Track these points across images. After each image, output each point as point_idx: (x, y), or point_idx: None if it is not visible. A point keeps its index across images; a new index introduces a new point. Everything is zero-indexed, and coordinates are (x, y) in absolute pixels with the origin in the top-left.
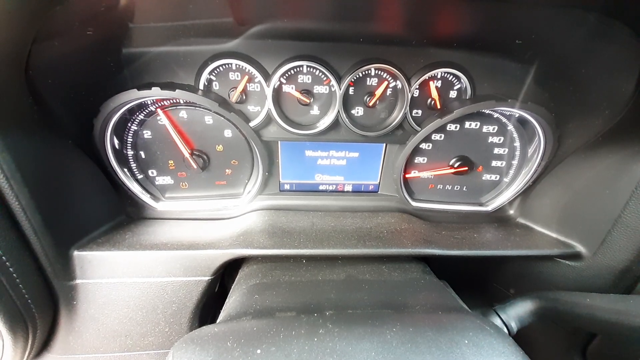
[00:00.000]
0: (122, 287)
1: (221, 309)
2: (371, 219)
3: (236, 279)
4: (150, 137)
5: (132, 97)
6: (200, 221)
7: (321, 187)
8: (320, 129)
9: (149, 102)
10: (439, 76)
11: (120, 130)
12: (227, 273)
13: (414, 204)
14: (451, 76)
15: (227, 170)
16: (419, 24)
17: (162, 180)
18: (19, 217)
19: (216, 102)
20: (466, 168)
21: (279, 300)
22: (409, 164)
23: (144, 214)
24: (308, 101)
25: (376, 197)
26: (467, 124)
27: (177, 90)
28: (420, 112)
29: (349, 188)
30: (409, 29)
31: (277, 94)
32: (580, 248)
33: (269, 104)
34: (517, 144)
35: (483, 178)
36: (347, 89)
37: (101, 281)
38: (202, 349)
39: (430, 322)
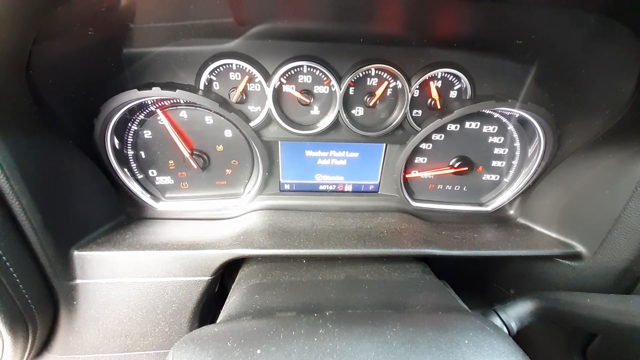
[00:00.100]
0: (122, 287)
1: (221, 309)
2: (371, 219)
3: (236, 279)
4: (151, 137)
5: (133, 97)
6: (201, 221)
7: (321, 187)
8: (320, 129)
9: (150, 102)
10: (439, 76)
11: (121, 130)
12: (227, 273)
13: (414, 204)
14: (451, 76)
15: (227, 170)
16: (419, 24)
17: (162, 180)
18: (19, 217)
19: (216, 102)
20: (466, 168)
21: (279, 300)
22: (409, 164)
23: (144, 214)
24: (308, 101)
25: (376, 197)
26: (467, 124)
27: (177, 90)
28: (420, 112)
29: (349, 188)
30: (409, 29)
31: (278, 94)
32: (580, 248)
33: (269, 104)
34: (517, 144)
35: (483, 178)
36: (347, 89)
37: (101, 281)
38: (202, 349)
39: (431, 322)
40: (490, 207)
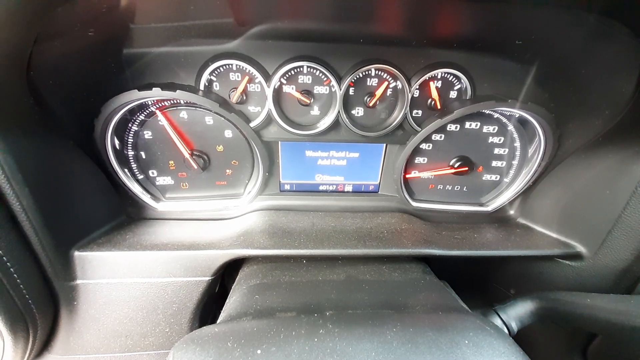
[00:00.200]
0: (122, 288)
1: (221, 309)
2: (371, 219)
3: (236, 279)
4: (151, 137)
5: (133, 97)
6: (201, 221)
7: (321, 188)
8: (320, 129)
9: (150, 103)
10: (439, 76)
11: (121, 130)
12: (227, 273)
13: (414, 204)
14: (451, 76)
15: (227, 171)
16: (419, 25)
17: (163, 180)
18: (19, 218)
19: (217, 102)
20: (466, 168)
21: (279, 300)
22: (409, 164)
23: (145, 215)
24: (308, 101)
25: (376, 198)
26: (467, 124)
27: (177, 90)
28: (420, 112)
29: (349, 188)
30: (409, 30)
31: (278, 94)
32: (580, 248)
33: (270, 104)
34: (517, 144)
35: (483, 178)
36: (347, 90)
37: (102, 281)
38: (203, 349)
39: (431, 323)
40: (490, 207)
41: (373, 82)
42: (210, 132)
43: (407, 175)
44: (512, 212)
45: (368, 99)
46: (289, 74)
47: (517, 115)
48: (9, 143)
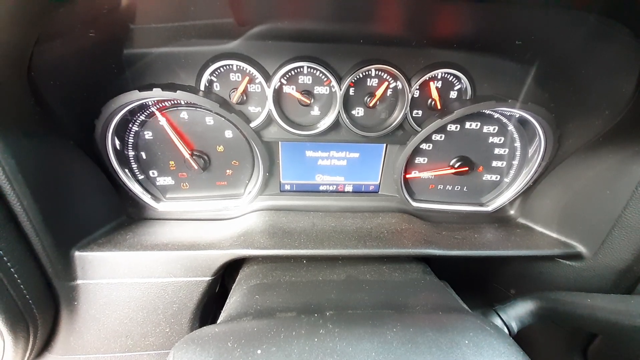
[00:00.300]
0: (122, 288)
1: (222, 309)
2: (372, 220)
3: (237, 279)
4: (151, 137)
5: (134, 98)
6: (201, 221)
7: (322, 188)
8: (320, 130)
9: (150, 103)
10: (439, 77)
11: (122, 131)
12: (227, 273)
13: (414, 204)
14: (451, 77)
15: (227, 171)
16: (419, 25)
17: (163, 180)
18: (20, 218)
19: (217, 102)
20: (467, 168)
21: (279, 300)
22: (409, 164)
23: (145, 215)
24: (308, 102)
25: (377, 198)
26: (467, 125)
27: (178, 91)
28: (420, 112)
29: (349, 188)
30: (409, 30)
31: (278, 94)
32: (580, 248)
33: (270, 104)
34: (517, 144)
35: (483, 178)
36: (347, 90)
37: (102, 281)
38: (203, 349)
39: (431, 323)
40: (490, 207)
41: (373, 82)
42: (211, 132)
43: (407, 176)
44: (512, 212)
45: (368, 99)
46: (289, 74)
47: (517, 116)
48: (10, 143)
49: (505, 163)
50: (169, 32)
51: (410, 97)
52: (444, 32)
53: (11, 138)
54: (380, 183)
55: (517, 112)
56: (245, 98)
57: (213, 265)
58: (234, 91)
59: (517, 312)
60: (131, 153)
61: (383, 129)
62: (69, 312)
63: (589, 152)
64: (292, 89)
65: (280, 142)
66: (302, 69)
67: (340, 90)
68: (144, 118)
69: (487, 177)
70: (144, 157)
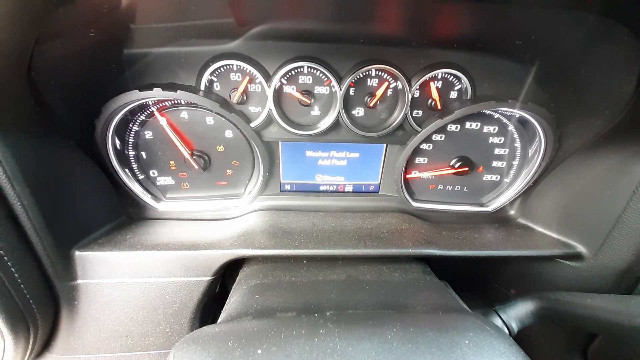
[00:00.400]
0: (123, 288)
1: (222, 309)
2: (372, 220)
3: (237, 279)
4: (152, 137)
5: (134, 98)
6: (201, 221)
7: (322, 188)
8: (320, 130)
9: (150, 103)
10: (439, 77)
11: (122, 130)
12: (227, 273)
13: (414, 204)
14: (451, 77)
15: (228, 171)
16: (419, 25)
17: (163, 180)
18: (20, 218)
19: (217, 102)
20: (467, 168)
21: (279, 300)
22: (409, 165)
23: (145, 215)
24: (309, 102)
25: (377, 198)
26: (467, 125)
27: (178, 91)
28: (420, 112)
29: (349, 188)
30: (409, 30)
31: (278, 94)
32: (581, 248)
33: (270, 104)
34: (517, 144)
35: (484, 178)
36: (347, 90)
37: (102, 281)
38: (203, 349)
39: (431, 323)
40: (490, 208)
41: (373, 82)
42: (211, 132)
43: (408, 176)
44: (512, 212)
45: (368, 99)
46: (290, 74)
47: (518, 116)
48: (10, 143)
49: (505, 163)
50: (169, 32)
51: (410, 97)
52: (444, 32)
53: (11, 138)
54: (380, 183)
55: (517, 112)
56: (245, 98)
57: (213, 265)
58: (234, 91)
59: (517, 312)
60: (131, 153)
61: (383, 129)
62: (69, 311)
63: (589, 152)
64: (293, 89)
65: (280, 142)
66: (302, 69)
67: (341, 90)
68: (144, 118)
69: (487, 177)
70: (144, 156)
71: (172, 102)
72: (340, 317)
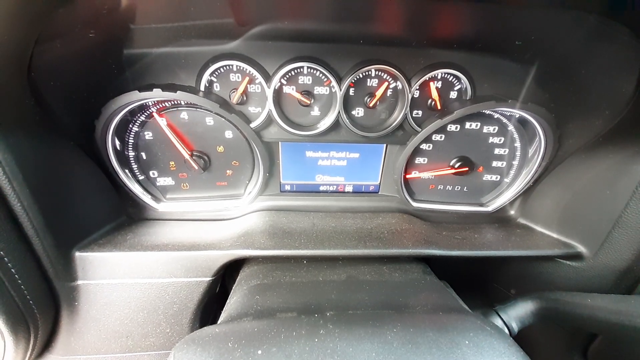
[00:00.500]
0: (123, 288)
1: (222, 309)
2: (372, 220)
3: (237, 279)
4: (151, 138)
5: (134, 98)
6: (201, 222)
7: (322, 188)
8: (320, 130)
9: (150, 104)
10: (439, 77)
11: (122, 131)
12: (227, 274)
13: (414, 204)
14: (451, 77)
15: (227, 171)
16: (419, 25)
17: (163, 181)
18: (20, 218)
19: (217, 103)
20: (467, 168)
21: (279, 300)
22: (409, 165)
23: (145, 215)
24: (308, 102)
25: (377, 198)
26: (467, 125)
27: (178, 91)
28: (420, 112)
29: (349, 189)
30: (409, 30)
31: (278, 95)
32: (581, 248)
33: (270, 105)
34: (517, 144)
35: (484, 178)
36: (347, 90)
37: (102, 282)
38: (203, 349)
39: (431, 323)
40: (490, 208)
41: (373, 82)
42: (211, 132)
43: (408, 176)
44: (512, 212)
45: (368, 100)
46: (289, 74)
47: (517, 116)
48: (10, 144)
49: (505, 163)
50: (169, 32)
51: (410, 98)
52: (444, 32)
53: (11, 138)
54: (380, 183)
55: (517, 112)
56: (245, 98)
57: (213, 265)
58: (234, 91)
59: (518, 312)
60: (131, 153)
61: (383, 129)
62: (69, 312)
63: (589, 152)
64: (292, 89)
65: (280, 143)
66: (302, 69)
67: (340, 90)
68: (144, 118)
69: (487, 177)
70: (144, 157)
71: (172, 102)
72: (340, 318)
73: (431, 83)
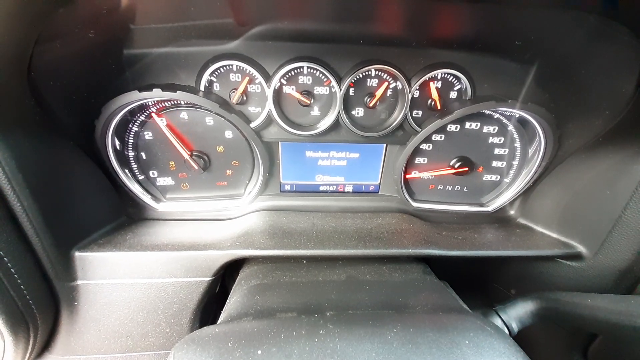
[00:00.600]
0: (123, 288)
1: (222, 309)
2: (372, 220)
3: (237, 279)
4: (151, 138)
5: (134, 98)
6: (201, 222)
7: (322, 188)
8: (320, 130)
9: (150, 104)
10: (439, 77)
11: (122, 131)
12: (227, 274)
13: (414, 204)
14: (451, 77)
15: (227, 171)
16: (419, 25)
17: (163, 181)
18: (20, 218)
19: (217, 103)
20: (467, 168)
21: (279, 300)
22: (409, 165)
23: (145, 215)
24: (308, 102)
25: (377, 198)
26: (467, 125)
27: (178, 91)
28: (420, 112)
29: (349, 189)
30: (409, 30)
31: (278, 95)
32: (581, 248)
33: (270, 105)
34: (517, 144)
35: (483, 178)
36: (347, 90)
37: (102, 282)
38: (203, 349)
39: (431, 323)
40: (490, 208)
41: (373, 82)
42: (211, 132)
43: (408, 176)
44: (512, 212)
45: (368, 100)
46: (289, 74)
47: (517, 116)
48: (10, 144)
49: (505, 163)
50: (169, 32)
51: (410, 98)
52: (444, 32)
53: (11, 138)
54: (380, 183)
55: (517, 112)
56: (245, 98)
57: (213, 265)
58: (234, 91)
59: (518, 313)
60: (131, 153)
61: (383, 129)
62: (69, 312)
63: (589, 152)
64: (292, 89)
65: (280, 143)
66: (302, 69)
67: (340, 90)
68: (144, 118)
69: (487, 177)
70: (144, 157)
71: (172, 102)
72: (340, 318)
73: (431, 83)
